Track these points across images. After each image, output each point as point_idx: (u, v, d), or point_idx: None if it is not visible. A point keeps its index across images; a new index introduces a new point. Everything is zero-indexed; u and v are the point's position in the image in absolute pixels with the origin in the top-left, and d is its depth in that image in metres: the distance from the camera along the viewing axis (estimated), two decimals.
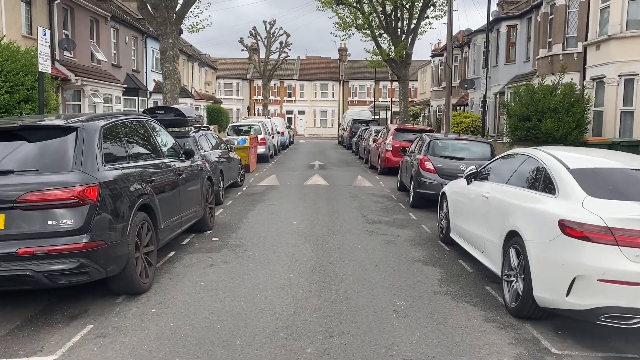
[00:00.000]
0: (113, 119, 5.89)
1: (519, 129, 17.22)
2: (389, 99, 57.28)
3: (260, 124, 23.06)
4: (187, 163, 7.66)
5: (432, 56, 42.42)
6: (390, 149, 17.01)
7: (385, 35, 27.86)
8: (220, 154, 12.33)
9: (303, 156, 26.93)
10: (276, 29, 47.47)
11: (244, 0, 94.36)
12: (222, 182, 11.76)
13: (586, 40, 18.05)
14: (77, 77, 20.03)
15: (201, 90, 42.52)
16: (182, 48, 32.80)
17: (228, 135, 21.84)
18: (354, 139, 29.18)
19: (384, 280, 6.16)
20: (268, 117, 34.01)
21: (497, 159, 7.02)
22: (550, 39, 20.52)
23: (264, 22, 49.20)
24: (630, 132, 15.79)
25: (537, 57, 22.11)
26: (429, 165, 11.21)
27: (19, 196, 4.56)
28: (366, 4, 27.38)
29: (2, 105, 10.94)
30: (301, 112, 64.53)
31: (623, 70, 15.99)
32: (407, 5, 26.90)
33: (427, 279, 6.26)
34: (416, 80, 54.48)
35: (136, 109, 26.34)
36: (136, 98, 27.59)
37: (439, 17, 27.74)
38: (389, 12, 27.30)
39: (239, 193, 13.21)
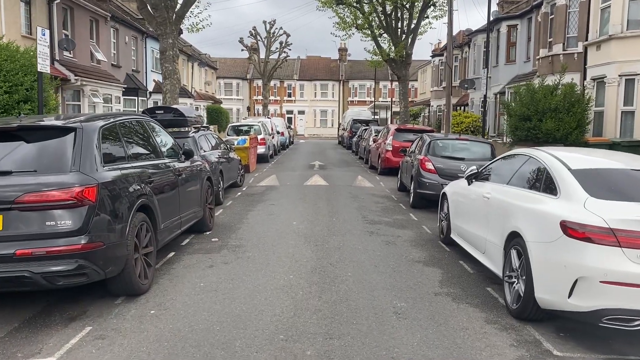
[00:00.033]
0: (112, 119, 5.86)
1: (519, 129, 17.19)
2: (389, 99, 57.25)
3: (260, 124, 23.03)
4: (187, 163, 7.62)
5: (432, 56, 42.39)
6: (391, 149, 16.98)
7: (385, 35, 27.83)
8: (220, 154, 12.30)
9: (303, 156, 26.91)
10: (276, 29, 47.49)
11: (244, 0, 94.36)
12: (221, 183, 11.73)
13: (587, 40, 18.01)
14: (76, 77, 19.99)
15: (201, 90, 42.49)
16: (182, 48, 32.77)
17: (228, 135, 21.82)
18: (354, 139, 29.15)
19: (385, 282, 6.13)
20: (268, 117, 33.98)
21: (498, 159, 6.99)
22: (551, 39, 20.49)
23: (264, 22, 49.24)
24: (631, 133, 15.76)
25: (538, 57, 22.08)
26: (430, 166, 11.18)
27: (17, 197, 4.53)
28: (366, 3, 27.35)
29: (1, 105, 10.91)
30: (301, 112, 64.50)
31: (624, 70, 15.95)
32: (407, 5, 26.86)
33: (428, 280, 6.23)
34: (416, 80, 54.46)
35: (136, 109, 26.31)
36: (136, 98, 27.56)
37: (439, 17, 27.75)
38: (389, 12, 27.28)
39: (239, 193, 13.18)
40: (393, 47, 27.13)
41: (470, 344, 4.48)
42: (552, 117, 15.97)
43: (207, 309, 5.14)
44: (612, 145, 14.15)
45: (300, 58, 65.89)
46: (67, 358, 4.12)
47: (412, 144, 13.74)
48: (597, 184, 4.82)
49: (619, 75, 16.09)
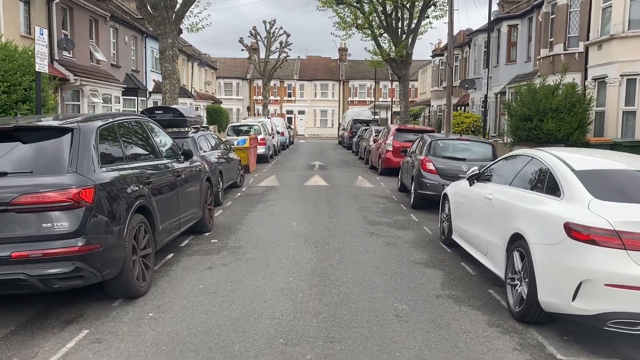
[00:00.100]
0: (110, 120, 5.80)
1: (520, 129, 17.13)
2: (389, 99, 57.19)
3: (260, 124, 22.97)
4: (186, 164, 7.56)
5: (433, 56, 42.33)
6: (391, 149, 16.92)
7: (385, 35, 27.76)
8: (219, 154, 12.23)
9: (303, 156, 26.85)
10: (276, 28, 47.42)
11: (244, 0, 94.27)
12: (221, 183, 11.67)
13: (588, 40, 17.94)
14: (76, 77, 19.94)
15: (201, 90, 42.43)
16: (182, 48, 32.72)
17: (228, 135, 21.76)
18: (354, 139, 29.08)
19: (385, 284, 6.06)
20: (268, 117, 33.92)
21: (500, 160, 6.92)
22: (552, 39, 20.42)
23: (264, 21, 49.14)
24: (632, 133, 15.69)
25: (538, 57, 22.01)
26: (430, 166, 11.12)
27: (12, 198, 4.47)
28: (366, 3, 27.28)
29: None
30: (301, 112, 64.44)
31: (625, 70, 15.89)
32: (408, 5, 26.79)
33: (429, 282, 6.17)
34: (416, 80, 54.39)
35: (135, 109, 26.24)
36: (135, 98, 27.50)
37: (440, 16, 27.68)
38: (389, 12, 27.21)
39: (239, 194, 13.12)
40: (393, 47, 27.06)
41: (473, 348, 4.41)
42: (553, 117, 15.91)
43: (206, 312, 5.08)
44: (613, 146, 14.09)
45: (300, 58, 65.85)
46: None
47: (412, 144, 13.68)
48: (601, 185, 4.75)
49: (621, 75, 16.02)
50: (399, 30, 27.38)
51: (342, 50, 64.53)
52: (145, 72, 30.17)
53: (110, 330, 4.65)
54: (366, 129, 25.44)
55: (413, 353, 4.28)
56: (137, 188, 5.55)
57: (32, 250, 4.46)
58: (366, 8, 27.25)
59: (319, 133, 61.86)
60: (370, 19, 27.27)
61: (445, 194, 8.29)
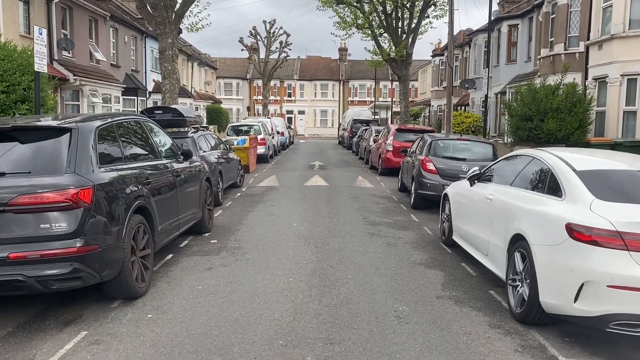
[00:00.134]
0: (109, 120, 5.77)
1: (520, 129, 17.10)
2: (390, 99, 57.15)
3: (260, 124, 22.94)
4: (185, 164, 7.53)
5: (433, 56, 42.30)
6: (391, 149, 16.89)
7: (385, 34, 27.74)
8: (219, 154, 12.20)
9: (303, 156, 26.81)
10: (276, 28, 47.40)
11: (244, 0, 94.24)
12: (221, 183, 11.64)
13: (588, 39, 17.91)
14: (75, 77, 19.91)
15: (201, 90, 42.39)
16: (182, 48, 32.69)
17: (228, 135, 21.73)
18: (354, 139, 29.05)
19: (386, 284, 6.03)
20: (268, 117, 33.88)
21: (501, 160, 6.89)
22: (552, 39, 20.39)
23: (264, 21, 49.14)
24: (633, 133, 15.66)
25: (539, 57, 21.97)
26: (431, 166, 11.09)
27: (10, 199, 4.44)
28: (366, 3, 27.25)
29: None
30: (301, 112, 64.41)
31: (626, 70, 15.86)
32: (408, 5, 26.77)
33: (430, 283, 6.13)
34: (417, 80, 54.36)
35: (135, 109, 26.21)
36: (135, 98, 27.47)
37: (440, 16, 27.63)
38: (389, 12, 27.18)
39: (239, 194, 13.09)
40: (393, 47, 27.04)
41: (474, 349, 4.38)
42: (553, 117, 15.88)
43: (205, 313, 5.04)
44: (614, 146, 14.06)
45: (300, 58, 65.83)
46: None
47: (412, 144, 13.65)
48: (602, 185, 4.72)
49: (621, 75, 15.99)
50: (399, 30, 27.35)
51: (342, 50, 64.49)
52: (145, 72, 30.14)
53: (108, 331, 4.62)
54: (366, 129, 25.41)
55: (414, 355, 4.25)
56: (136, 188, 5.52)
57: (30, 251, 4.43)
58: (366, 8, 27.22)
59: (319, 133, 61.82)
60: (370, 18, 27.24)
61: (445, 194, 8.26)
